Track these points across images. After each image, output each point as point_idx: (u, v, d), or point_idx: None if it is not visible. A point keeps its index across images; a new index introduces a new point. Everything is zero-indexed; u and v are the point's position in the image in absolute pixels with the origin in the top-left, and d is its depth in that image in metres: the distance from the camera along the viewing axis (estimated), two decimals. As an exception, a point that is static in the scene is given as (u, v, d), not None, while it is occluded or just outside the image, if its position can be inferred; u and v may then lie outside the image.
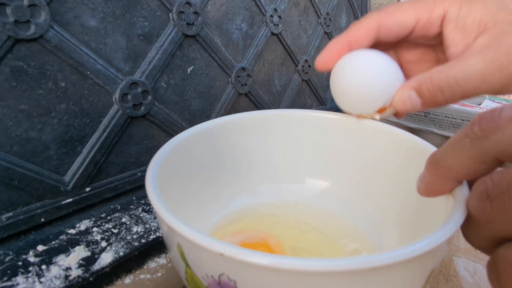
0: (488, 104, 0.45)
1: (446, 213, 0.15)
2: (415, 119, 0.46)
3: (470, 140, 0.13)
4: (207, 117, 0.36)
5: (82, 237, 0.26)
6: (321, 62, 0.24)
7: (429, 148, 0.22)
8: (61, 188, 0.26)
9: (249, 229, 0.25)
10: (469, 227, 0.15)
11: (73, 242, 0.25)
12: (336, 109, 0.26)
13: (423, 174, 0.16)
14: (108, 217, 0.28)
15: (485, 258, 0.25)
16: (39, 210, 0.25)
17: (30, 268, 0.22)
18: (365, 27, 0.23)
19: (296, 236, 0.24)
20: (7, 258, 0.23)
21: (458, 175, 0.15)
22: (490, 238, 0.13)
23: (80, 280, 0.23)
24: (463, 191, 0.16)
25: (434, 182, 0.16)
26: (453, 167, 0.14)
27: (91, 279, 0.23)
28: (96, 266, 0.24)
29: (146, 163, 0.31)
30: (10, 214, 0.24)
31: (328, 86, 0.55)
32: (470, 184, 0.16)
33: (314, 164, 0.29)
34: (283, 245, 0.22)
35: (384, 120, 0.26)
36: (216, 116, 0.37)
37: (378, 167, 0.26)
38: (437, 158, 0.15)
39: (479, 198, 0.13)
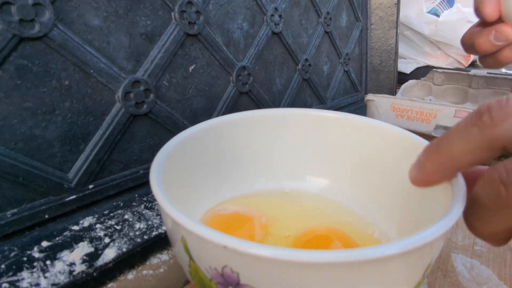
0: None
1: (445, 207, 0.16)
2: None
3: (479, 128, 0.14)
4: (209, 116, 0.36)
5: (86, 233, 0.26)
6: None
7: (425, 144, 0.22)
8: (65, 185, 0.26)
9: (251, 205, 0.25)
10: (477, 216, 0.15)
11: (76, 238, 0.25)
12: (336, 108, 0.27)
13: (421, 163, 0.16)
14: (111, 214, 0.28)
15: (483, 254, 0.25)
16: (43, 207, 0.25)
17: (35, 264, 0.23)
18: None
19: (292, 221, 0.25)
20: (12, 254, 0.23)
21: (460, 163, 0.15)
22: (503, 224, 0.14)
23: (84, 275, 0.23)
24: (460, 185, 0.16)
25: (434, 171, 0.16)
26: (457, 155, 0.15)
27: (94, 274, 0.24)
28: (100, 262, 0.24)
29: (148, 161, 0.32)
30: (15, 210, 0.24)
31: (328, 85, 0.55)
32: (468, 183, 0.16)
33: (315, 162, 0.29)
34: (269, 228, 0.23)
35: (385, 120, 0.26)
36: (217, 115, 0.37)
37: (378, 164, 0.26)
38: (440, 147, 0.15)
39: (492, 185, 0.13)
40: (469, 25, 0.76)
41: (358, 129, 0.27)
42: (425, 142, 0.22)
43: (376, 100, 0.49)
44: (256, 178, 0.29)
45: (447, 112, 0.45)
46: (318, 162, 0.29)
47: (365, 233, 0.24)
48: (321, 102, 0.54)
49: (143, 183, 0.31)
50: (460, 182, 0.17)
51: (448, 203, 0.16)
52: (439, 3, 0.87)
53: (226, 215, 0.24)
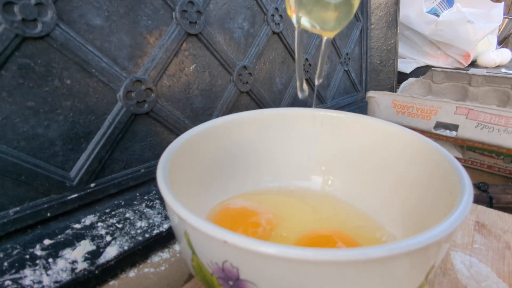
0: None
1: (450, 208, 0.16)
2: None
3: None
4: (209, 115, 0.37)
5: (87, 231, 0.26)
6: None
7: (431, 145, 0.22)
8: (67, 184, 0.26)
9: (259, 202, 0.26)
10: None
11: (78, 237, 0.25)
12: (336, 107, 0.27)
13: None
14: (113, 213, 0.28)
15: (481, 252, 0.26)
16: (45, 205, 0.25)
17: (37, 261, 0.23)
18: None
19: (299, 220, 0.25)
20: (15, 252, 0.23)
21: None
22: None
23: (85, 273, 0.23)
24: (466, 187, 0.16)
25: None
26: None
27: (96, 272, 0.24)
28: (101, 260, 0.24)
29: (149, 159, 0.32)
30: (17, 208, 0.24)
31: (328, 84, 0.55)
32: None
33: (322, 161, 0.29)
34: (274, 225, 0.23)
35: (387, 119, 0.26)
36: (218, 114, 0.37)
37: (386, 164, 0.26)
38: None
39: None
40: (468, 25, 0.76)
41: (366, 129, 0.27)
42: (436, 146, 0.22)
43: (377, 96, 0.50)
44: (263, 176, 0.29)
45: (448, 109, 0.45)
46: (325, 162, 0.29)
47: (372, 236, 0.24)
48: (321, 102, 0.54)
49: (144, 182, 0.32)
50: (466, 183, 0.17)
51: (454, 204, 0.16)
52: (439, 3, 0.87)
53: (234, 209, 0.24)
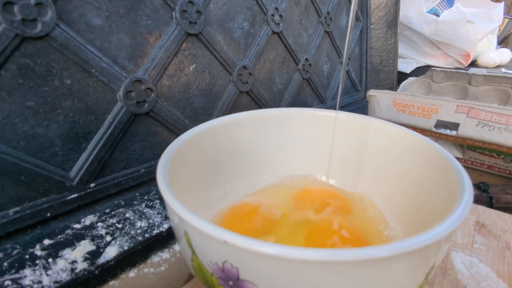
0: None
1: (450, 208, 0.16)
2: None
3: None
4: (209, 115, 0.37)
5: (87, 231, 0.26)
6: None
7: (432, 145, 0.22)
8: (67, 184, 0.26)
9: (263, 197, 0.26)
10: None
11: (78, 237, 0.25)
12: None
13: None
14: (112, 213, 0.28)
15: (481, 253, 0.26)
16: (45, 205, 0.25)
17: (37, 261, 0.23)
18: None
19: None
20: (15, 252, 0.23)
21: None
22: None
23: (85, 273, 0.23)
24: (466, 187, 0.16)
25: None
26: None
27: (96, 272, 0.24)
28: (101, 260, 0.24)
29: (149, 159, 0.32)
30: (17, 208, 0.24)
31: (328, 84, 0.55)
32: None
33: (320, 162, 0.29)
34: (274, 220, 0.23)
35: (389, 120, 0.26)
36: (218, 114, 0.37)
37: (382, 164, 0.26)
38: None
39: None
40: (468, 25, 0.76)
41: (366, 129, 0.27)
42: (436, 146, 0.22)
43: (378, 95, 0.50)
44: (263, 176, 0.29)
45: (449, 107, 0.45)
46: (325, 162, 0.29)
47: (376, 231, 0.24)
48: (321, 102, 0.54)
49: (144, 182, 0.31)
50: (466, 183, 0.17)
51: (453, 204, 0.16)
52: (439, 3, 0.87)
53: (238, 206, 0.24)
